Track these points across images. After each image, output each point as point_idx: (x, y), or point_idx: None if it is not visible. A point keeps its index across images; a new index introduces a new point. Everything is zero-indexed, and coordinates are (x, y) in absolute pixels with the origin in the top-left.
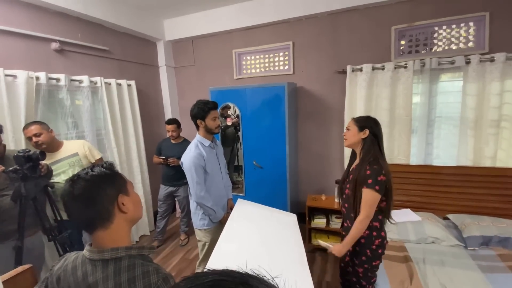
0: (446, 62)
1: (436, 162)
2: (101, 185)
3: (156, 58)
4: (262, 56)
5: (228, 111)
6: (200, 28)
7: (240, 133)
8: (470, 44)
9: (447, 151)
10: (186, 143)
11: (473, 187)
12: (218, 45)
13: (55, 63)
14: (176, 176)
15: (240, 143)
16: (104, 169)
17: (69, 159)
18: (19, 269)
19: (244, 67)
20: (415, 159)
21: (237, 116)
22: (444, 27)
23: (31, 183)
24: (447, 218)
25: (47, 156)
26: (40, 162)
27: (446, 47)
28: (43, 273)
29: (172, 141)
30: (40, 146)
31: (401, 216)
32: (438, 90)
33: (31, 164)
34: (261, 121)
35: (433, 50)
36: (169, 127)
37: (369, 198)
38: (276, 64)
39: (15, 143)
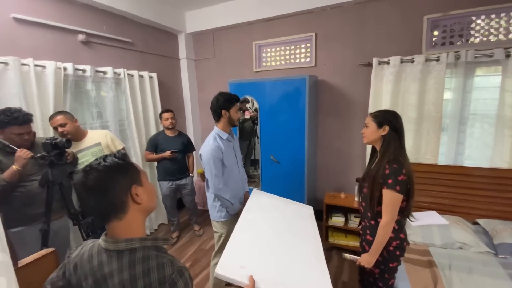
0: (483, 55)
1: (467, 163)
2: (114, 176)
3: (177, 50)
4: (283, 48)
5: (247, 105)
6: (221, 20)
7: (257, 127)
8: (511, 36)
9: (481, 151)
10: (183, 135)
11: (507, 191)
12: (238, 37)
13: (81, 55)
14: (181, 169)
15: (258, 137)
16: (117, 159)
17: (92, 148)
18: (43, 252)
19: (264, 59)
20: (444, 159)
21: (255, 110)
22: (483, 16)
23: (57, 169)
24: (477, 223)
25: (72, 144)
26: (66, 149)
27: (484, 39)
28: None
29: (169, 135)
30: (66, 136)
31: (426, 218)
32: (473, 86)
33: (58, 151)
34: (280, 115)
35: (469, 42)
36: (167, 114)
37: (391, 199)
38: (297, 56)
39: (44, 131)
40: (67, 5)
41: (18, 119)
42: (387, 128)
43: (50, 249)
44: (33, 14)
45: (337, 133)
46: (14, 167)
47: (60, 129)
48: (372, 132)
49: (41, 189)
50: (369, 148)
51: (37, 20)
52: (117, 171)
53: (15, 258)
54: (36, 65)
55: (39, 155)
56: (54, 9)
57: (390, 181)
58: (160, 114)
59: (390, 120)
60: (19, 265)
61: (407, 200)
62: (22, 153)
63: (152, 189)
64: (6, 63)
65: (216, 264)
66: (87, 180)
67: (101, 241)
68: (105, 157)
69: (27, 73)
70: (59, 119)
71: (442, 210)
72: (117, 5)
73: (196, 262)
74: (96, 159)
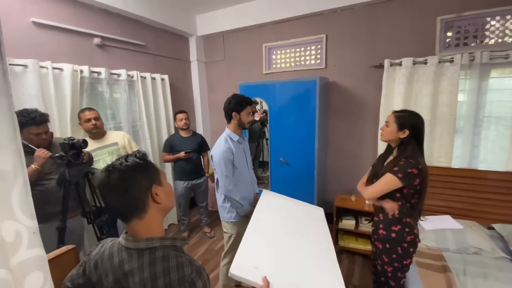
0: (499, 56)
1: (482, 166)
2: (135, 176)
3: (188, 53)
4: (293, 50)
5: (256, 106)
6: (231, 23)
7: (266, 128)
8: None
9: (496, 154)
10: (197, 135)
11: None
12: (248, 39)
13: (97, 57)
14: (196, 169)
15: (266, 139)
16: (138, 159)
17: (109, 147)
18: (64, 249)
19: (273, 61)
20: (458, 162)
21: (264, 112)
22: (498, 17)
23: (74, 169)
24: (492, 228)
25: (91, 142)
26: (83, 149)
27: (500, 40)
28: (82, 254)
29: (183, 135)
30: (96, 129)
31: (440, 222)
32: (488, 87)
33: (75, 151)
34: (290, 116)
35: (483, 43)
36: (182, 115)
37: (386, 179)
38: (308, 58)
39: (61, 131)
40: (84, 10)
41: (36, 119)
42: (407, 132)
43: (70, 246)
44: (51, 19)
45: (347, 135)
46: (33, 166)
47: (94, 122)
48: (391, 133)
49: (58, 188)
50: (381, 150)
51: (55, 24)
52: (138, 170)
53: None
54: (54, 68)
55: (57, 154)
56: (71, 14)
57: (395, 168)
58: (175, 115)
59: (412, 125)
60: None
61: (419, 198)
62: (41, 153)
63: (171, 189)
64: (25, 66)
65: (225, 264)
66: (110, 180)
67: (121, 240)
68: (126, 157)
69: (46, 75)
70: (93, 113)
71: (456, 214)
72: (131, 9)
73: (205, 262)
74: (118, 159)
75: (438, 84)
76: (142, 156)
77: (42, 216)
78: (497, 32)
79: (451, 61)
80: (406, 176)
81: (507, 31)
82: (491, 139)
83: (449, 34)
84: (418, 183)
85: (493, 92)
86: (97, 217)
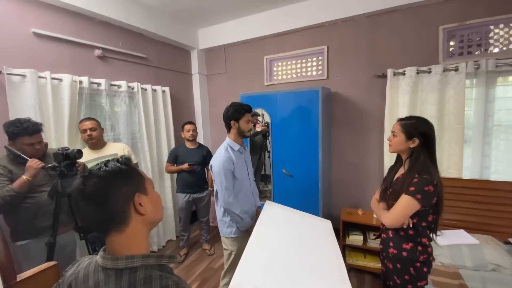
0: (505, 63)
1: (494, 177)
2: (115, 182)
3: (190, 66)
4: (294, 62)
5: (258, 118)
6: (233, 36)
7: (268, 140)
8: None
9: (509, 164)
10: (203, 147)
11: None
12: (250, 52)
13: (97, 69)
14: (199, 182)
15: (268, 151)
16: (120, 164)
17: (108, 158)
18: (44, 266)
19: (275, 73)
20: (468, 173)
21: (266, 124)
22: (501, 25)
23: (67, 180)
24: (509, 243)
25: (90, 153)
26: (77, 160)
27: (504, 48)
28: None
29: (189, 147)
30: (92, 140)
31: (454, 237)
32: (495, 95)
33: (69, 162)
34: (292, 127)
35: (488, 51)
36: (189, 126)
37: (405, 202)
38: (309, 69)
39: (57, 142)
40: (86, 22)
41: (28, 129)
42: (416, 141)
43: (51, 263)
44: (52, 30)
45: (351, 146)
46: (24, 177)
47: (89, 132)
48: (399, 143)
49: (50, 200)
50: (387, 161)
51: (56, 35)
52: (119, 177)
53: (13, 272)
54: (53, 78)
55: (49, 165)
56: (73, 25)
57: (412, 188)
58: (183, 126)
59: (422, 133)
60: (18, 279)
61: (435, 214)
62: (33, 163)
63: (158, 198)
64: (23, 76)
65: (225, 285)
66: (85, 187)
67: (98, 258)
68: (106, 162)
69: (44, 85)
70: (90, 123)
71: (470, 229)
72: (133, 23)
73: (204, 282)
74: (97, 164)
75: (444, 93)
76: (124, 161)
77: (33, 230)
78: (501, 40)
79: (456, 70)
80: (424, 196)
81: (511, 39)
82: (502, 149)
83: (451, 43)
84: (435, 200)
85: (501, 100)
86: (90, 231)
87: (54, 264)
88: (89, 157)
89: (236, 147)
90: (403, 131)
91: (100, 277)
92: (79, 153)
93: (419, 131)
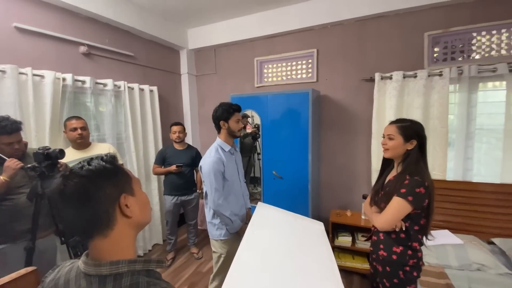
0: (486, 70)
1: (476, 179)
2: (99, 182)
3: (179, 66)
4: (284, 64)
5: (248, 119)
6: (223, 37)
7: (257, 142)
8: None
9: (490, 166)
10: (192, 149)
11: None
12: (240, 53)
13: (82, 66)
14: (187, 184)
15: (258, 154)
16: (104, 163)
17: None
18: (22, 271)
19: (265, 75)
20: (451, 175)
21: (255, 126)
22: (484, 33)
23: (48, 182)
24: (492, 243)
25: (75, 152)
26: (59, 160)
27: (486, 55)
28: None
29: (177, 148)
30: (81, 139)
31: (440, 238)
32: (477, 100)
33: (50, 162)
34: (283, 129)
35: (471, 58)
36: (176, 127)
37: (397, 205)
38: (299, 72)
39: (38, 141)
40: (71, 17)
41: (6, 127)
42: (414, 142)
43: (30, 268)
44: (36, 24)
45: (340, 148)
46: (1, 177)
47: (80, 131)
48: (398, 146)
49: (29, 203)
50: (375, 163)
51: (39, 30)
52: (103, 176)
53: None
54: (34, 75)
55: (29, 165)
56: (57, 20)
57: (403, 190)
58: (170, 127)
59: (419, 134)
60: None
61: (426, 216)
62: (12, 163)
63: (146, 199)
64: (3, 71)
65: None
66: (65, 187)
67: (80, 263)
68: (90, 160)
69: (25, 82)
70: (81, 122)
71: (454, 229)
72: (122, 20)
73: (192, 286)
74: (80, 162)
75: (429, 97)
76: (109, 159)
77: (10, 235)
78: (483, 46)
79: (440, 75)
80: (416, 198)
81: (493, 46)
82: (484, 152)
83: (436, 49)
84: (427, 203)
85: (483, 104)
86: (71, 236)
87: (33, 270)
88: (72, 157)
89: (227, 147)
90: (401, 134)
91: (82, 284)
92: (61, 153)
93: (416, 133)
